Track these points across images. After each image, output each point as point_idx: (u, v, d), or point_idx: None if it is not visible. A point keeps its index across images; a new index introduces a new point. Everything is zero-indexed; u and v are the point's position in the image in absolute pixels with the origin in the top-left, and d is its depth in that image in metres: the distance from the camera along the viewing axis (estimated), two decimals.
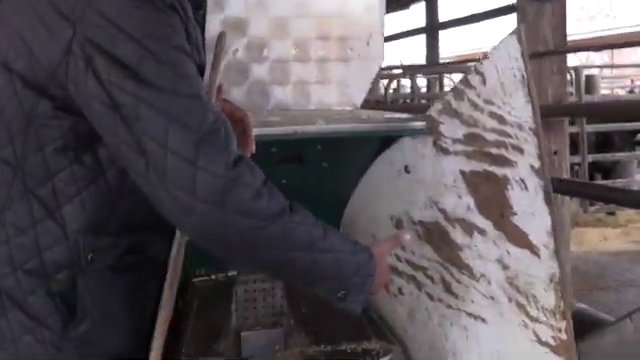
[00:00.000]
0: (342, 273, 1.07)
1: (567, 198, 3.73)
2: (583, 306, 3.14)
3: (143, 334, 1.11)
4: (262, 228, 0.99)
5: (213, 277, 2.14)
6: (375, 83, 5.15)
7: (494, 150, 1.34)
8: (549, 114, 3.39)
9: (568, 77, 4.78)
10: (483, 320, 1.40)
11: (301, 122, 1.66)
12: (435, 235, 1.56)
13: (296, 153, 1.87)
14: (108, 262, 1.13)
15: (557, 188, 2.93)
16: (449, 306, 1.52)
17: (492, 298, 1.39)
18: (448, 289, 1.52)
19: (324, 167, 1.91)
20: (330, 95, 2.22)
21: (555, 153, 3.49)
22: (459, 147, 1.44)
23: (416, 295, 1.67)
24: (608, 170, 6.80)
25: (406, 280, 1.73)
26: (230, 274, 2.14)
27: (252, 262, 1.08)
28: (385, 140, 1.75)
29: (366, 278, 1.11)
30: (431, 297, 1.60)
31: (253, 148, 1.26)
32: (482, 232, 1.39)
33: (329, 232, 1.07)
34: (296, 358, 1.93)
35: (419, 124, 1.56)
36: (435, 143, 1.53)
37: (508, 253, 1.33)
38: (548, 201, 1.20)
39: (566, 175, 3.66)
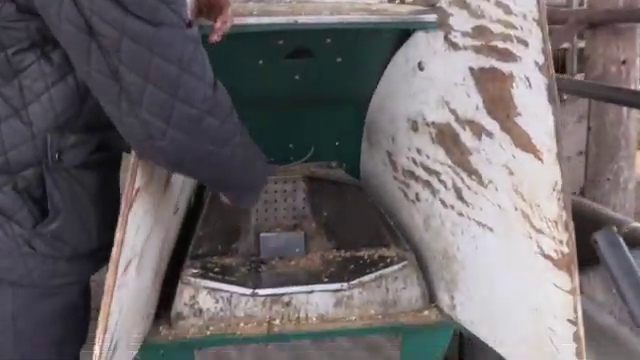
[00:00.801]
0: (262, 183, 1.34)
1: (634, 112, 3.37)
2: None
3: (113, 229, 1.13)
4: (222, 152, 1.12)
5: None
6: None
7: (500, 44, 1.26)
8: (619, 19, 3.03)
9: None
10: (491, 230, 1.39)
11: (306, 13, 1.56)
12: (447, 137, 1.54)
13: (304, 47, 1.77)
14: (76, 160, 1.16)
15: (624, 100, 2.66)
16: (460, 214, 1.52)
17: (499, 206, 1.35)
18: (459, 196, 1.52)
19: (339, 63, 1.84)
20: None
21: (624, 62, 3.16)
22: (468, 41, 1.37)
23: (431, 202, 1.67)
24: None
25: (422, 186, 1.73)
26: None
27: (202, 178, 1.24)
28: (401, 36, 1.63)
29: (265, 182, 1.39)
30: (444, 204, 1.59)
31: (228, 26, 1.34)
32: (490, 134, 1.34)
33: (256, 147, 1.26)
34: (316, 262, 1.95)
35: (430, 17, 1.44)
36: (446, 37, 1.45)
37: (514, 157, 1.27)
38: (552, 100, 1.11)
39: (635, 86, 3.31)
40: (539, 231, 1.25)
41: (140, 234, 1.26)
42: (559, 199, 1.17)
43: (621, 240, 1.51)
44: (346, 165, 2.32)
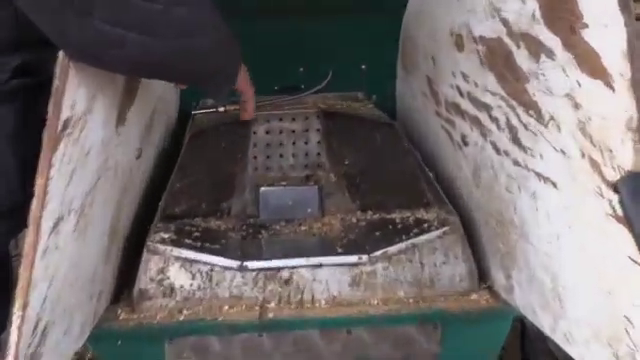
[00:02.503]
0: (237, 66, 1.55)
1: None
2: None
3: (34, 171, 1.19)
4: (194, 43, 1.25)
5: (221, 109, 2.18)
6: None
7: None
8: None
9: None
10: (554, 184, 1.40)
11: None
12: (498, 58, 1.55)
13: None
14: None
15: None
16: (516, 162, 1.52)
17: (563, 152, 1.35)
18: (515, 138, 1.52)
19: None
20: None
21: None
22: None
23: (481, 146, 1.68)
24: None
25: (470, 124, 1.72)
26: None
27: (170, 78, 1.45)
28: None
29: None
30: (497, 149, 1.60)
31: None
32: (550, 54, 1.34)
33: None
34: (334, 227, 2.00)
35: None
36: None
37: (579, 85, 1.28)
38: (624, 8, 1.09)
39: None
40: (612, 185, 1.25)
41: (77, 183, 1.29)
42: (635, 142, 1.16)
43: None
44: (376, 97, 2.34)
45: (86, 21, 1.11)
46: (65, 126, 1.20)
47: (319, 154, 2.21)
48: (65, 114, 1.19)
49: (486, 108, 1.63)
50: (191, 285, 1.64)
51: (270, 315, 1.61)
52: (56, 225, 1.22)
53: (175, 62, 1.27)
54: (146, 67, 1.27)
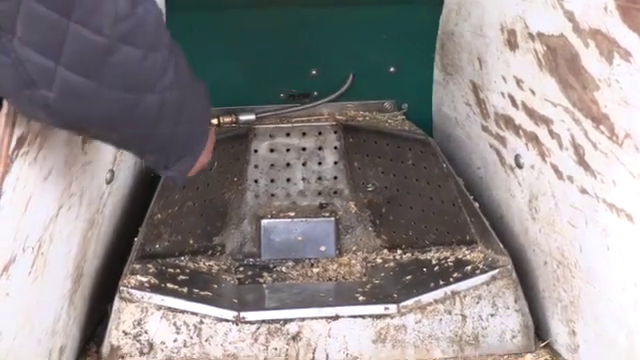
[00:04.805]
0: (191, 143, 1.39)
1: None
2: None
3: None
4: (144, 101, 1.21)
5: (214, 121, 2.19)
6: None
7: None
8: None
9: None
10: (629, 217, 1.37)
11: None
12: (561, 59, 1.54)
13: None
14: None
15: None
16: (583, 190, 1.53)
17: None
18: (581, 159, 1.52)
19: None
20: None
21: None
22: None
23: (539, 169, 1.67)
24: None
25: (525, 142, 1.70)
26: (244, 118, 2.19)
27: (111, 140, 1.33)
28: None
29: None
30: (559, 173, 1.59)
31: None
32: (627, 55, 1.33)
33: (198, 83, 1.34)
34: (354, 269, 2.00)
35: None
36: None
37: None
38: None
39: None
40: None
41: (33, 214, 1.28)
42: None
43: None
44: (408, 107, 2.33)
45: (5, 41, 1.08)
46: (20, 144, 1.20)
47: (336, 178, 2.21)
48: (20, 129, 1.19)
49: (545, 122, 1.63)
50: (175, 341, 1.64)
51: None
52: (7, 267, 1.22)
53: (115, 121, 1.22)
54: (81, 122, 1.21)
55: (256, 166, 2.20)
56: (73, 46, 1.09)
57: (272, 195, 2.19)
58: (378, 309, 1.66)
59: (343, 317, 1.66)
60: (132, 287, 1.65)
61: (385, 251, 1.94)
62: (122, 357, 1.62)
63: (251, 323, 1.64)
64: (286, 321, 1.65)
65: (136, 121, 1.23)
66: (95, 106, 1.16)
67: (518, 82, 1.72)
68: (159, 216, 1.89)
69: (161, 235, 1.86)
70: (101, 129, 1.25)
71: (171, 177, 1.41)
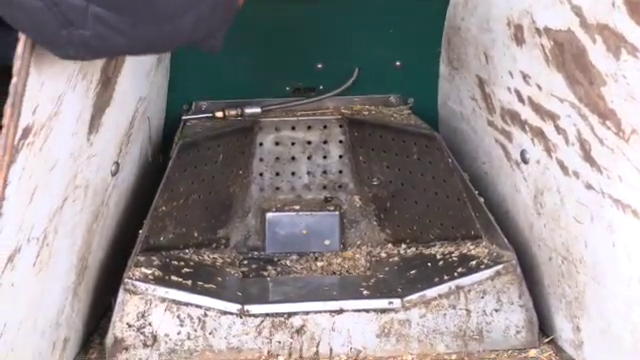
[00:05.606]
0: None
1: None
2: None
3: None
4: (178, 26, 1.22)
5: (219, 114, 2.18)
6: None
7: None
8: None
9: None
10: (635, 213, 1.37)
11: None
12: (568, 54, 1.54)
13: None
14: None
15: None
16: (588, 185, 1.52)
17: None
18: (587, 154, 1.52)
19: None
20: None
21: None
22: None
23: (544, 164, 1.67)
24: None
25: (531, 137, 1.70)
26: (250, 111, 2.18)
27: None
28: None
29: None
30: (564, 168, 1.59)
31: None
32: (634, 50, 1.33)
33: None
34: (358, 263, 1.99)
35: None
36: None
37: None
38: None
39: None
40: None
41: (38, 205, 1.28)
42: None
43: None
44: (414, 101, 2.33)
45: None
46: (25, 134, 1.20)
47: (341, 172, 2.21)
48: (25, 120, 1.19)
49: (552, 117, 1.63)
50: (179, 333, 1.64)
51: None
52: (12, 258, 1.22)
53: (151, 47, 1.28)
54: (117, 53, 1.30)
55: (261, 159, 2.20)
56: None
57: (277, 188, 2.19)
58: (382, 303, 1.66)
59: (347, 311, 1.66)
60: (136, 279, 1.65)
61: (389, 245, 1.94)
62: (126, 349, 1.62)
63: (255, 316, 1.64)
64: (290, 314, 1.65)
65: (175, 41, 1.26)
66: (133, 40, 1.18)
67: (525, 77, 1.71)
68: (164, 209, 1.89)
69: (166, 228, 1.86)
70: (144, 53, 1.33)
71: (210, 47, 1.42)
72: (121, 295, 1.64)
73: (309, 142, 2.22)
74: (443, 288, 1.68)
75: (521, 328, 1.68)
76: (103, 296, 1.74)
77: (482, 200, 1.87)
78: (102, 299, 1.75)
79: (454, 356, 1.66)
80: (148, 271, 1.69)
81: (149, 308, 1.64)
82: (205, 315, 1.64)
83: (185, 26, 1.22)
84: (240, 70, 2.12)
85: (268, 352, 1.64)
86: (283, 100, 2.29)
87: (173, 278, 1.69)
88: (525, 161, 1.77)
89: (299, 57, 2.29)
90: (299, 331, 1.65)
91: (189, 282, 1.69)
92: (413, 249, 1.90)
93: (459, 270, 1.72)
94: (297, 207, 2.10)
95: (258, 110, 2.19)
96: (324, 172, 2.20)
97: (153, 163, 2.16)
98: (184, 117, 2.22)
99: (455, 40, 2.08)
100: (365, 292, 1.71)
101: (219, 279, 1.76)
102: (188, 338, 1.64)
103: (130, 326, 1.63)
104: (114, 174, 1.73)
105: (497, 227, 1.79)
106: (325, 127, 2.23)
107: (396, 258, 1.89)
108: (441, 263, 1.79)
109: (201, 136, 2.08)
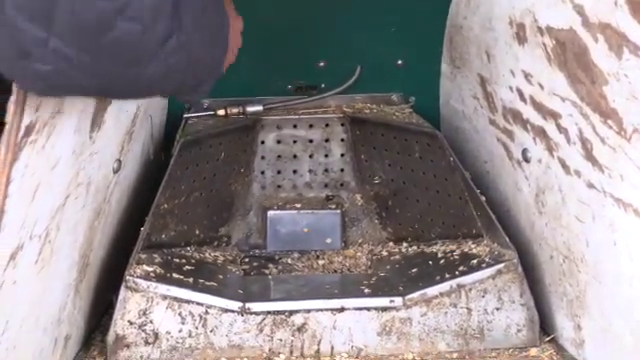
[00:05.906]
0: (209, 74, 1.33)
1: None
2: None
3: None
4: (146, 72, 1.17)
5: (220, 112, 2.18)
6: None
7: None
8: None
9: None
10: (636, 212, 1.37)
11: None
12: (570, 53, 1.54)
13: None
14: None
15: None
16: (590, 184, 1.52)
17: None
18: (589, 153, 1.52)
19: None
20: None
21: None
22: None
23: (546, 163, 1.67)
24: None
25: (533, 136, 1.71)
26: (252, 109, 2.18)
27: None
28: None
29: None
30: (566, 167, 1.59)
31: None
32: (636, 49, 1.33)
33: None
34: (360, 261, 1.99)
35: None
36: None
37: None
38: None
39: None
40: None
41: (41, 202, 1.29)
42: None
43: None
44: (415, 99, 2.33)
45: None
46: (28, 132, 1.20)
47: (343, 170, 2.21)
48: (28, 117, 1.19)
49: (553, 116, 1.63)
50: (180, 331, 1.64)
51: None
52: (14, 255, 1.22)
53: (117, 90, 1.22)
54: (79, 92, 1.22)
55: (263, 157, 2.20)
56: (65, 15, 1.05)
57: (278, 186, 2.19)
58: (383, 302, 1.66)
59: (348, 309, 1.66)
60: (138, 277, 1.65)
61: (391, 244, 1.93)
62: (127, 346, 1.62)
63: (256, 314, 1.64)
64: (291, 312, 1.65)
65: (141, 89, 1.22)
66: (95, 79, 1.13)
67: (526, 76, 1.71)
68: (165, 206, 1.89)
69: (167, 225, 1.86)
70: (104, 97, 1.29)
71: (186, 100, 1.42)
72: (122, 292, 1.64)
73: (311, 140, 2.22)
74: (444, 286, 1.68)
75: (522, 327, 1.68)
76: (104, 293, 1.74)
77: (483, 199, 1.87)
78: (104, 296, 1.75)
79: (455, 354, 1.66)
80: (150, 268, 1.69)
81: (150, 305, 1.64)
82: (206, 313, 1.64)
83: (151, 74, 1.16)
84: (242, 68, 2.10)
85: (269, 350, 1.64)
86: (285, 98, 2.29)
87: (174, 276, 1.69)
88: (527, 160, 1.78)
89: (301, 55, 2.29)
90: (300, 329, 1.65)
91: (190, 280, 1.69)
92: (414, 247, 1.90)
93: (460, 268, 1.72)
94: (298, 205, 2.10)
95: (260, 108, 2.19)
96: (326, 170, 2.20)
97: (155, 161, 2.16)
98: (186, 115, 2.22)
99: (457, 39, 2.08)
100: (366, 290, 1.71)
101: (220, 277, 1.76)
102: (189, 335, 1.63)
103: (131, 323, 1.63)
104: (116, 171, 1.73)
105: (498, 226, 1.79)
106: (327, 125, 2.23)
107: (397, 256, 1.88)
108: (442, 261, 1.78)
109: (203, 134, 2.08)
